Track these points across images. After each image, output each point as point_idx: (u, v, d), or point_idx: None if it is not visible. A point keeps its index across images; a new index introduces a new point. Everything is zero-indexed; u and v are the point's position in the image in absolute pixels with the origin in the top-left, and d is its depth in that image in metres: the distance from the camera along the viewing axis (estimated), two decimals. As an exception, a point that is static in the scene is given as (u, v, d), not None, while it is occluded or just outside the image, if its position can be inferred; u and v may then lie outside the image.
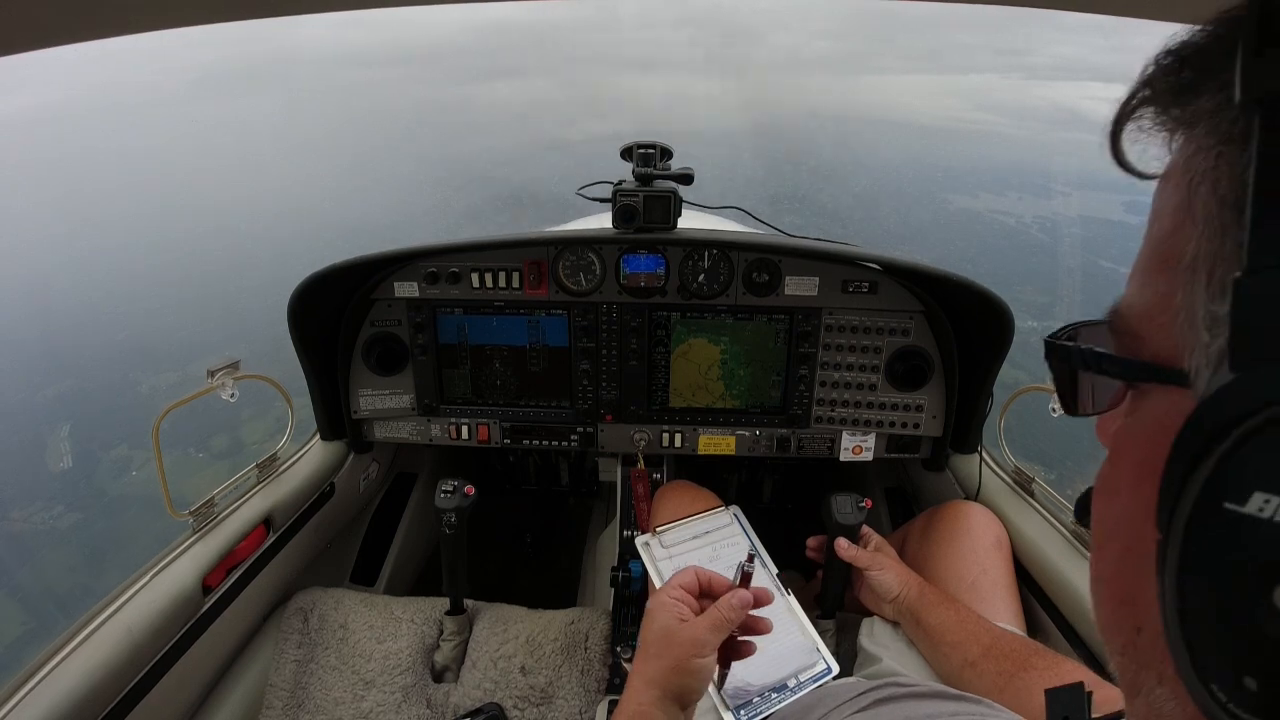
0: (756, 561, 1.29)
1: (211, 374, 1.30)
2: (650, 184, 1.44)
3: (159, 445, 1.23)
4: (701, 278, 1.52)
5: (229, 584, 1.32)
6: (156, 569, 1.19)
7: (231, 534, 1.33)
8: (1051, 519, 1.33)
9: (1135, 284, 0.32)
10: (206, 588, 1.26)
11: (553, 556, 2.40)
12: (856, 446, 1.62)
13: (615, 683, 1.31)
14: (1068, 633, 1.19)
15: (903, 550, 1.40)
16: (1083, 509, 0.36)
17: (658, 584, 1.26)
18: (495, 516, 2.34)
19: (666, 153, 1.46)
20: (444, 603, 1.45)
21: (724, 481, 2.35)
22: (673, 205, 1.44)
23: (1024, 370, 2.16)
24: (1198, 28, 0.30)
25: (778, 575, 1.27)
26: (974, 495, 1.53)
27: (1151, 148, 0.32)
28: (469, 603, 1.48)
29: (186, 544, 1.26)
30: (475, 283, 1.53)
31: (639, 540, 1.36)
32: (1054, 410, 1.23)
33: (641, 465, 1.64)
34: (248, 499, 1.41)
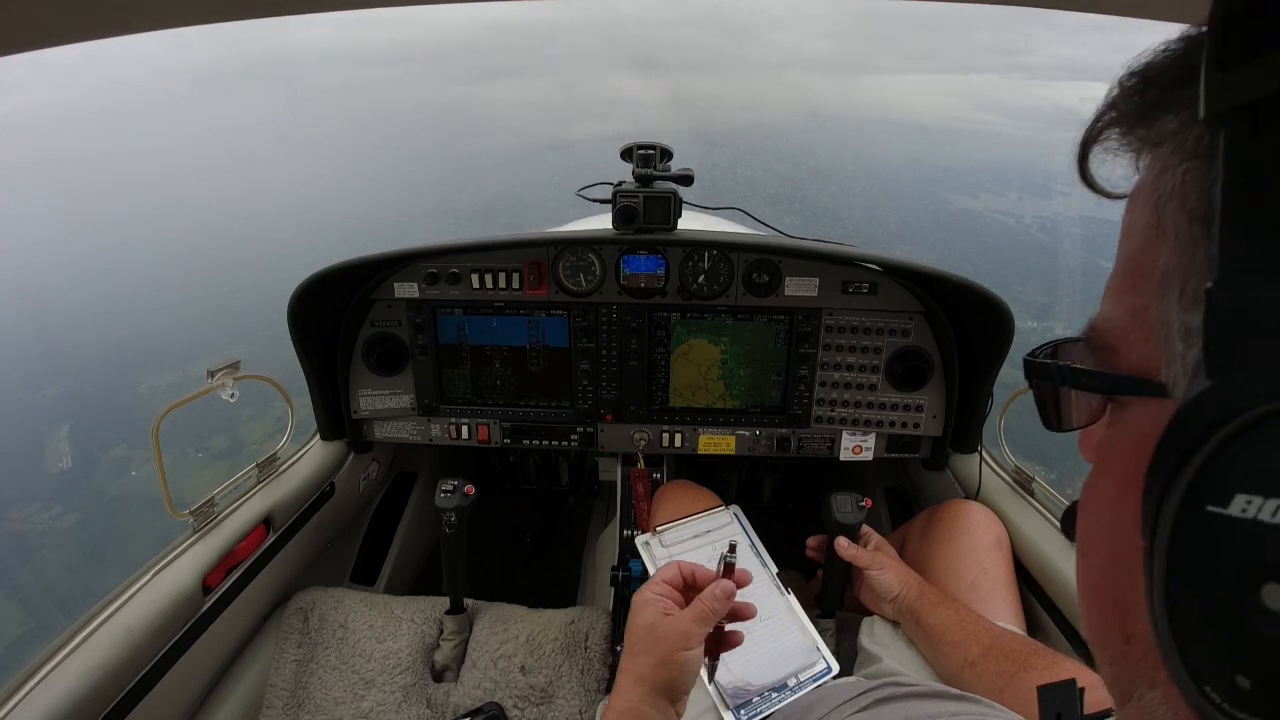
0: (757, 562, 1.29)
1: (211, 374, 1.29)
2: (650, 185, 1.44)
3: (159, 445, 1.23)
4: (701, 278, 1.52)
5: (229, 584, 1.32)
6: (156, 569, 1.19)
7: (231, 534, 1.33)
8: (1052, 519, 1.33)
9: (1110, 300, 0.33)
10: (206, 587, 1.26)
11: (553, 556, 2.40)
12: (856, 446, 1.62)
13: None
14: (1068, 632, 1.19)
15: (903, 550, 1.40)
16: (1069, 522, 0.36)
17: None
18: (495, 516, 2.34)
19: (666, 153, 1.46)
20: (444, 602, 1.45)
21: (724, 481, 2.35)
22: (673, 206, 1.44)
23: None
24: (1160, 49, 0.31)
25: (778, 575, 1.27)
26: (974, 495, 1.53)
27: (1119, 168, 0.33)
28: (469, 602, 1.48)
29: (186, 544, 1.26)
30: (475, 283, 1.53)
31: (639, 540, 1.36)
32: None
33: (641, 465, 1.64)
34: (248, 499, 1.41)
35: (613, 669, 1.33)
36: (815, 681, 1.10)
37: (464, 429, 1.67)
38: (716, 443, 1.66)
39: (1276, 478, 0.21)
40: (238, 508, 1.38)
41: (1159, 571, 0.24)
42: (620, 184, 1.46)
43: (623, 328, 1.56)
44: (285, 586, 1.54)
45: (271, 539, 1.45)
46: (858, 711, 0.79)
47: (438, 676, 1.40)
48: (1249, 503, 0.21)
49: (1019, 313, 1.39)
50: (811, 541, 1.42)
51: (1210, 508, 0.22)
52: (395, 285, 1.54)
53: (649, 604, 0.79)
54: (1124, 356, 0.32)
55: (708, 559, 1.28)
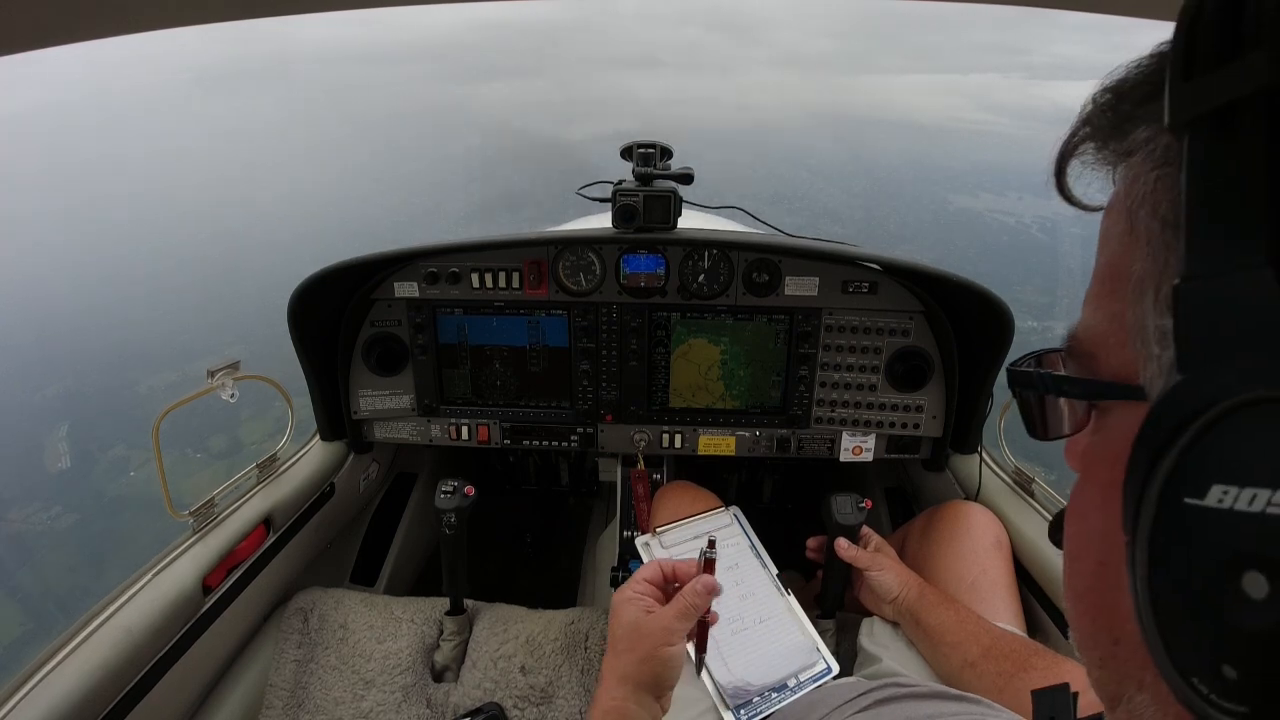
0: (756, 562, 1.29)
1: (211, 374, 1.29)
2: (650, 184, 1.44)
3: (159, 445, 1.23)
4: (701, 278, 1.52)
5: (229, 584, 1.32)
6: (156, 569, 1.19)
7: (231, 534, 1.33)
8: (1051, 519, 1.33)
9: (1089, 309, 0.34)
10: (206, 588, 1.25)
11: (553, 556, 2.40)
12: (856, 447, 1.62)
13: None
14: (1067, 633, 1.20)
15: (903, 550, 1.40)
16: (1056, 530, 0.37)
17: None
18: (495, 516, 2.34)
19: (666, 152, 1.46)
20: (444, 603, 1.45)
21: (724, 482, 2.35)
22: (673, 205, 1.44)
23: (1023, 370, 2.15)
24: (1133, 64, 0.32)
25: (778, 575, 1.27)
26: (974, 495, 1.53)
27: (1095, 181, 0.35)
28: (469, 603, 1.48)
29: (186, 544, 1.26)
30: (475, 283, 1.53)
31: (639, 540, 1.35)
32: None
33: (641, 465, 1.64)
34: (248, 499, 1.41)
35: None
36: (815, 682, 1.10)
37: (464, 429, 1.67)
38: (716, 443, 1.66)
39: (1251, 467, 0.21)
40: (238, 508, 1.38)
41: (1141, 566, 0.25)
42: (620, 183, 1.46)
43: (623, 327, 1.56)
44: (285, 587, 1.54)
45: (271, 539, 1.45)
46: (858, 712, 0.79)
47: (438, 677, 1.40)
48: (1225, 493, 0.22)
49: (1019, 313, 1.39)
50: (811, 542, 1.42)
51: (1188, 500, 0.23)
52: (395, 285, 1.54)
53: (630, 602, 0.80)
54: (1103, 362, 0.32)
55: (708, 559, 1.28)
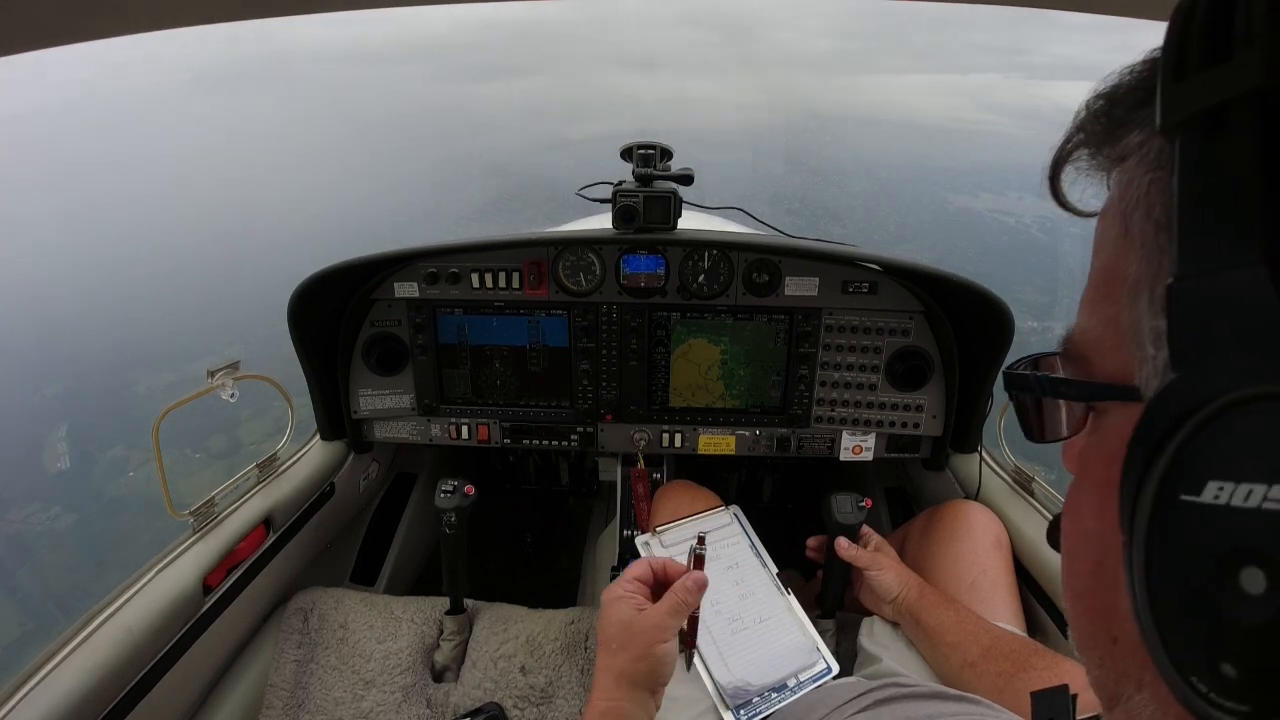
0: (756, 562, 1.29)
1: (211, 374, 1.29)
2: (650, 184, 1.44)
3: (159, 445, 1.23)
4: (701, 278, 1.52)
5: (229, 584, 1.32)
6: (157, 569, 1.19)
7: (232, 534, 1.33)
8: (1049, 523, 1.33)
9: (1084, 313, 0.34)
10: (207, 588, 1.25)
11: (553, 556, 2.40)
12: (856, 446, 1.62)
13: None
14: (1067, 632, 1.20)
15: (903, 550, 1.40)
16: (1054, 533, 0.37)
17: None
18: (495, 516, 2.34)
19: (666, 153, 1.46)
20: (444, 602, 1.45)
21: (724, 481, 2.35)
22: (673, 206, 1.44)
23: (1021, 370, 2.16)
24: (1125, 70, 0.32)
25: (778, 575, 1.27)
26: (974, 495, 1.53)
27: (1090, 187, 0.35)
28: (469, 602, 1.48)
29: (187, 544, 1.26)
30: (475, 283, 1.53)
31: (639, 540, 1.36)
32: None
33: (641, 465, 1.64)
34: (248, 499, 1.41)
35: None
36: (815, 682, 1.10)
37: (464, 429, 1.67)
38: (716, 443, 1.66)
39: (1246, 463, 0.21)
40: (238, 508, 1.38)
41: (1139, 564, 0.25)
42: (620, 183, 1.46)
43: (623, 327, 1.56)
44: (285, 586, 1.54)
45: (272, 539, 1.45)
46: (858, 712, 0.79)
47: (438, 677, 1.40)
48: (1221, 489, 0.22)
49: (1019, 313, 1.39)
50: (811, 542, 1.42)
51: (1184, 497, 0.23)
52: (395, 285, 1.54)
53: (621, 600, 0.80)
54: (1099, 365, 0.33)
55: (708, 560, 1.28)
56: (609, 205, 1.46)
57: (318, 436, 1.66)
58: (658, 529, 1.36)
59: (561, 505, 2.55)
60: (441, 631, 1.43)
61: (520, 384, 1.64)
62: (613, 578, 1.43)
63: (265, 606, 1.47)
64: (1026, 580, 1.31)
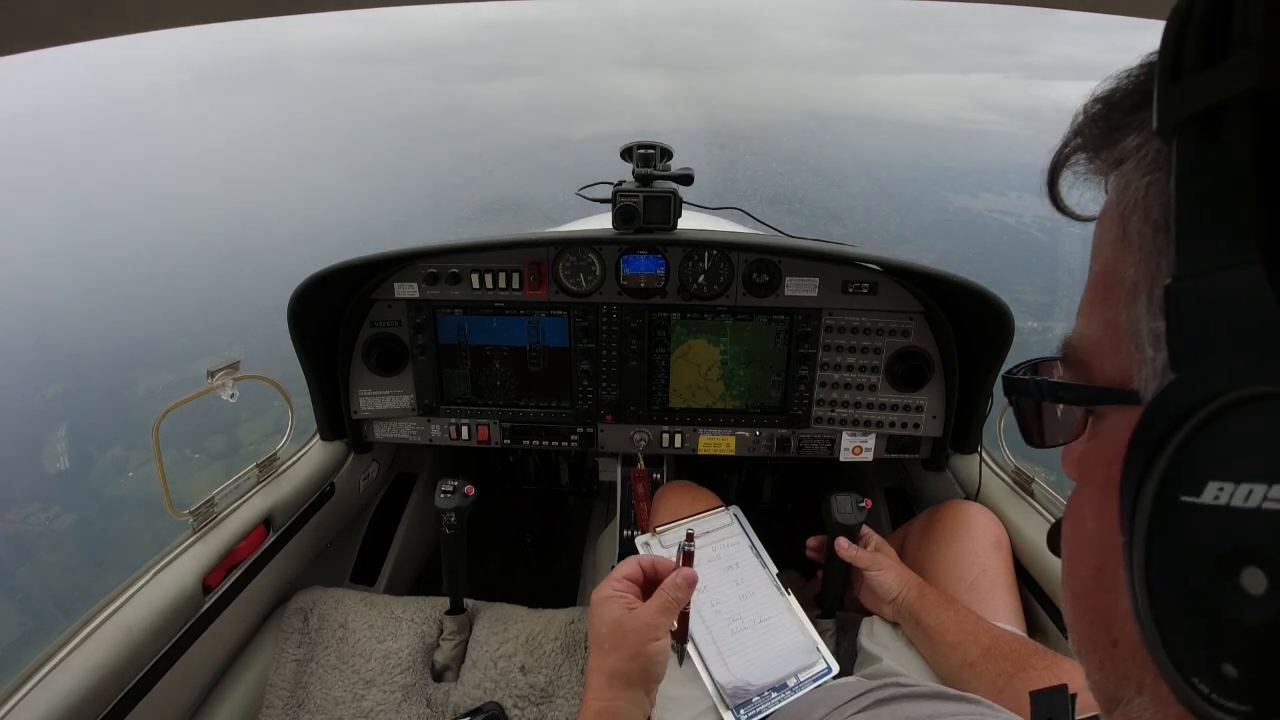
0: (756, 562, 1.29)
1: (211, 374, 1.29)
2: (650, 184, 1.44)
3: (159, 445, 1.23)
4: (701, 278, 1.52)
5: (229, 584, 1.32)
6: (157, 569, 1.19)
7: (232, 534, 1.33)
8: (1051, 519, 1.33)
9: (1083, 317, 0.34)
10: (207, 587, 1.25)
11: (553, 556, 2.40)
12: (856, 447, 1.62)
13: None
14: (1067, 633, 1.19)
15: (903, 550, 1.40)
16: (1054, 538, 0.37)
17: None
18: (495, 516, 2.34)
19: (666, 153, 1.46)
20: (444, 602, 1.45)
21: (724, 481, 2.35)
22: (673, 206, 1.44)
23: (1023, 370, 2.16)
24: (1122, 74, 0.32)
25: (778, 575, 1.27)
26: (974, 495, 1.53)
27: (1088, 191, 0.35)
28: (469, 602, 1.48)
29: (187, 544, 1.26)
30: (475, 283, 1.53)
31: (639, 540, 1.36)
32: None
33: (641, 465, 1.64)
34: (248, 499, 1.41)
35: None
36: (815, 682, 1.10)
37: (464, 429, 1.67)
38: (716, 443, 1.66)
39: (1246, 463, 0.21)
40: (238, 508, 1.38)
41: (1139, 566, 0.25)
42: (620, 184, 1.46)
43: (623, 328, 1.56)
44: (285, 586, 1.54)
45: (271, 539, 1.45)
46: (858, 712, 0.79)
47: (438, 676, 1.40)
48: (1221, 489, 0.22)
49: (1019, 313, 1.39)
50: (811, 542, 1.42)
51: (1184, 498, 0.23)
52: (395, 285, 1.54)
53: (611, 600, 0.80)
54: (1098, 369, 0.33)
55: (708, 560, 1.28)
56: (609, 205, 1.46)
57: (318, 437, 1.66)
58: (658, 529, 1.36)
59: (561, 505, 2.55)
60: (441, 631, 1.43)
61: (520, 384, 1.64)
62: None
63: (265, 606, 1.47)
64: (1026, 580, 1.32)
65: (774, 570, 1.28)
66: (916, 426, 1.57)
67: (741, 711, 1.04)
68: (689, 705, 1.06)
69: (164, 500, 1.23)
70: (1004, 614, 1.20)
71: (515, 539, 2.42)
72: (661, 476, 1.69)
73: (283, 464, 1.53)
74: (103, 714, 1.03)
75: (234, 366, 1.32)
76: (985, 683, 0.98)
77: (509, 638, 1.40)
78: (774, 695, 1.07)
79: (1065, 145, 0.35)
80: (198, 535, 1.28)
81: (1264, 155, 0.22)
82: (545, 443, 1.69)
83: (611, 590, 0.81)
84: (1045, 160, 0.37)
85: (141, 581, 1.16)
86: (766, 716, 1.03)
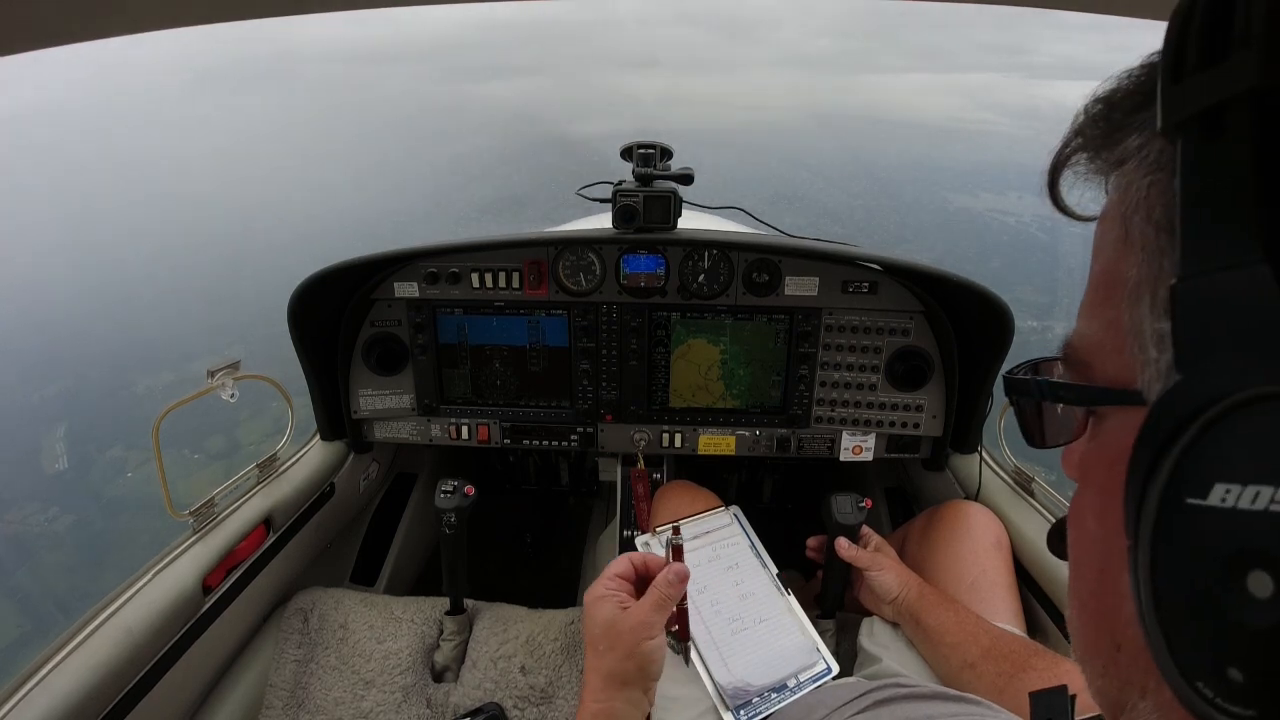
0: (756, 562, 1.29)
1: (211, 374, 1.29)
2: (650, 184, 1.44)
3: (159, 446, 1.23)
4: (701, 278, 1.52)
5: (229, 584, 1.32)
6: (156, 569, 1.19)
7: (231, 534, 1.33)
8: (1052, 519, 1.33)
9: (1084, 318, 0.34)
10: (206, 588, 1.25)
11: (553, 556, 2.40)
12: (856, 446, 1.62)
13: None
14: (1067, 633, 1.19)
15: (903, 550, 1.40)
16: (1057, 540, 0.37)
17: None
18: (495, 516, 2.34)
19: (666, 153, 1.46)
20: (444, 603, 1.45)
21: (724, 481, 2.35)
22: (673, 205, 1.44)
23: (1022, 370, 2.16)
24: (1124, 74, 0.32)
25: (778, 575, 1.27)
26: (974, 495, 1.53)
27: (1089, 191, 0.35)
28: (469, 603, 1.48)
29: (186, 544, 1.26)
30: (475, 283, 1.53)
31: (639, 540, 1.35)
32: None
33: (641, 465, 1.64)
34: (248, 499, 1.41)
35: None
36: (815, 682, 1.10)
37: (464, 429, 1.67)
38: (716, 443, 1.66)
39: (1253, 464, 0.21)
40: (238, 508, 1.38)
41: (1144, 568, 0.24)
42: (620, 183, 1.46)
43: (623, 327, 1.56)
44: (285, 587, 1.54)
45: (271, 539, 1.45)
46: (858, 713, 0.79)
47: (438, 677, 1.40)
48: (1228, 491, 0.22)
49: (1019, 312, 1.39)
50: (811, 542, 1.42)
51: (1190, 500, 0.23)
52: (395, 285, 1.54)
53: (603, 600, 0.79)
54: (1100, 370, 0.32)
55: (707, 560, 1.28)
56: (609, 205, 1.46)
57: (318, 437, 1.66)
58: (658, 529, 1.36)
59: (561, 505, 2.55)
60: (441, 631, 1.43)
61: (520, 384, 1.64)
62: None
63: (265, 607, 1.47)
64: (1026, 581, 1.31)
65: (774, 570, 1.28)
66: (916, 426, 1.57)
67: (741, 712, 1.04)
68: (689, 706, 1.06)
69: (164, 500, 1.23)
70: (1004, 614, 1.20)
71: (515, 539, 2.42)
72: (661, 476, 1.69)
73: (283, 464, 1.53)
74: (103, 714, 1.03)
75: (234, 366, 1.32)
76: (985, 683, 0.98)
77: (509, 638, 1.40)
78: (774, 696, 1.07)
79: (1066, 145, 0.35)
80: (198, 536, 1.28)
81: (1265, 155, 0.22)
82: (545, 443, 1.69)
83: (604, 590, 0.80)
84: (1045, 160, 0.36)
85: (141, 582, 1.16)
86: (767, 717, 1.03)
